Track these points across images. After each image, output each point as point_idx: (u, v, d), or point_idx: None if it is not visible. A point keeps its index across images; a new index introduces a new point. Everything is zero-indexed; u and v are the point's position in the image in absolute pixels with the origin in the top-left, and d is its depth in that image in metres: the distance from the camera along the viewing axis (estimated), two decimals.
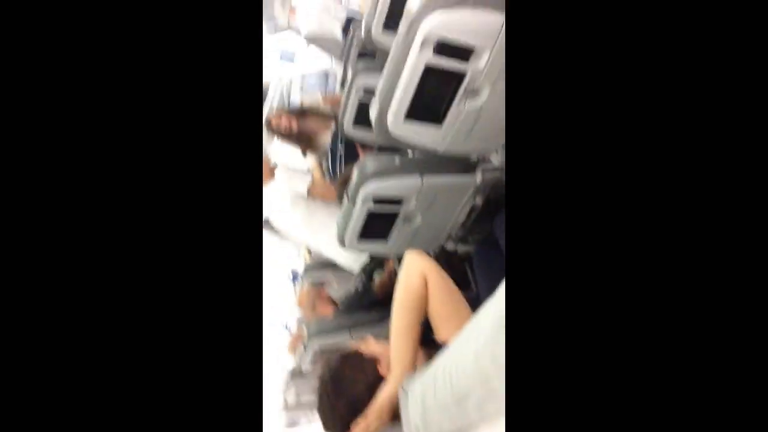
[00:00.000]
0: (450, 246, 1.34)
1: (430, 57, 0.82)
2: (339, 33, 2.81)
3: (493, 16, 0.77)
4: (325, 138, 1.86)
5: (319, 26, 2.67)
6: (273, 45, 3.03)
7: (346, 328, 1.47)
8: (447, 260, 1.38)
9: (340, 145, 1.68)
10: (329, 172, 1.71)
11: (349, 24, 2.72)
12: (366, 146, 1.67)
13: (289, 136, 1.84)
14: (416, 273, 0.86)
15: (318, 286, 1.96)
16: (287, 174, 1.59)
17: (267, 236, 1.96)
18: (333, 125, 1.88)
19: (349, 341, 1.42)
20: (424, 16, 0.77)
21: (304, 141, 1.86)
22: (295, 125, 1.82)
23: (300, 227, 1.55)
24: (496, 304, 0.57)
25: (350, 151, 1.65)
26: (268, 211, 1.58)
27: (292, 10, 2.74)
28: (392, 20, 1.33)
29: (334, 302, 1.72)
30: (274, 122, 1.84)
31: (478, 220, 1.24)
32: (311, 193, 1.55)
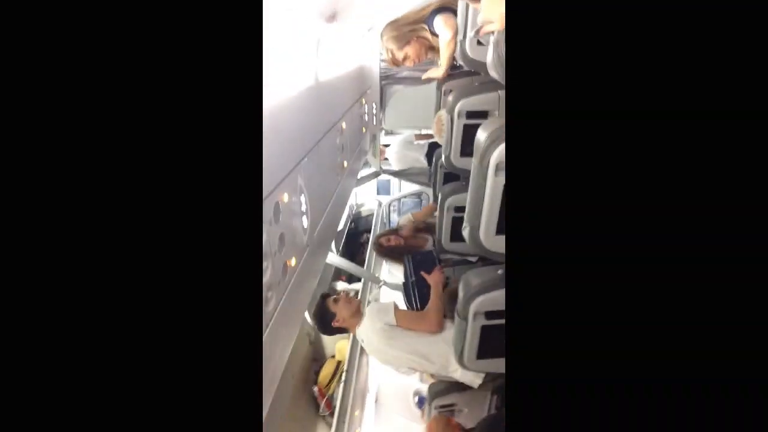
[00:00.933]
0: None
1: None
2: (423, 161, 3.19)
3: None
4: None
5: (404, 162, 3.09)
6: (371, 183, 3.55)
7: None
8: None
9: (410, 277, 1.71)
10: (409, 304, 1.72)
11: (432, 149, 3.09)
12: (433, 268, 1.65)
13: (396, 253, 2.06)
14: None
15: (447, 413, 1.83)
16: (373, 309, 1.51)
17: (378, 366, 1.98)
18: (431, 240, 2.07)
19: None
20: (492, 149, 0.88)
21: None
22: (402, 242, 2.07)
23: (407, 355, 1.47)
24: None
25: (421, 282, 1.63)
26: (369, 350, 1.57)
27: (382, 151, 3.26)
28: (467, 147, 1.50)
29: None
30: (383, 242, 2.09)
31: None
32: (399, 323, 1.46)
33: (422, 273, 1.63)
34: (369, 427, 2.33)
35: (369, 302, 2.37)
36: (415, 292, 1.69)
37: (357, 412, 2.09)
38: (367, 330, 1.49)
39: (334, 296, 1.55)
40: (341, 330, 1.56)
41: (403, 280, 1.79)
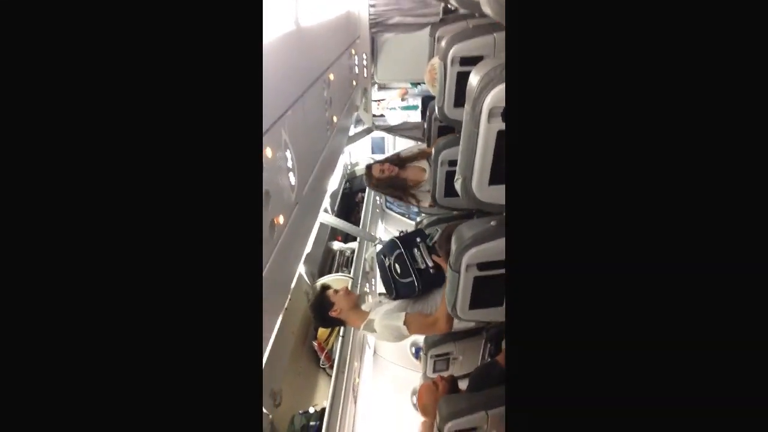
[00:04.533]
0: None
1: (500, 124, 0.86)
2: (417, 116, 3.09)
3: None
4: (424, 181, 1.90)
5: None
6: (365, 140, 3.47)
7: (481, 407, 1.35)
8: None
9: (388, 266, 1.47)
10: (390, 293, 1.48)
11: (426, 102, 2.98)
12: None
13: (387, 184, 1.92)
14: None
15: (442, 361, 1.90)
16: (384, 316, 1.40)
17: None
18: (427, 171, 1.88)
19: (485, 422, 1.30)
20: (485, 93, 0.83)
21: (401, 188, 1.93)
22: (396, 171, 1.91)
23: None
24: None
25: (404, 267, 1.42)
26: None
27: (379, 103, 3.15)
28: (462, 97, 1.42)
29: (455, 385, 1.57)
30: (376, 169, 1.93)
31: None
32: (411, 331, 1.38)
33: (434, 257, 1.41)
34: (368, 376, 2.45)
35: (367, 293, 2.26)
36: (394, 279, 1.43)
37: (356, 363, 2.18)
38: (378, 336, 1.44)
39: (335, 288, 1.50)
40: (337, 321, 1.50)
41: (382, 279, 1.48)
